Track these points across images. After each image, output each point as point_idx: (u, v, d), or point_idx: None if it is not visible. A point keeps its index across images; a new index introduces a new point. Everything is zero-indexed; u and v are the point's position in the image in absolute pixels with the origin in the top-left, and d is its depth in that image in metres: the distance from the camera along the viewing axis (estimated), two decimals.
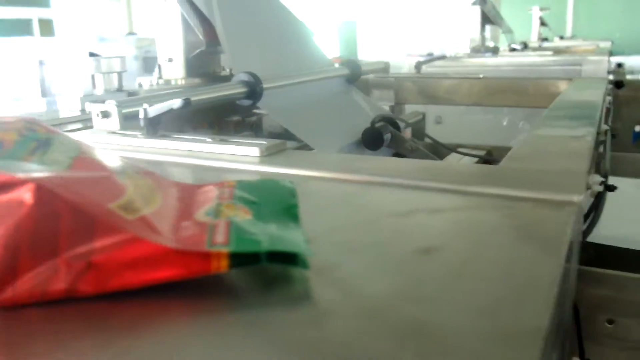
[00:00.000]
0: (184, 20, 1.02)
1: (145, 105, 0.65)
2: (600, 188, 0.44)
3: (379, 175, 0.45)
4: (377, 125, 0.97)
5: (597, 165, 0.58)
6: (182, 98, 0.63)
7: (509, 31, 2.73)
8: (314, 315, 0.24)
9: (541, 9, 3.50)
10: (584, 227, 0.45)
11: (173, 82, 1.07)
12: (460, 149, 1.09)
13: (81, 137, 0.70)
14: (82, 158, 0.33)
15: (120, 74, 1.02)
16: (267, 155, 0.55)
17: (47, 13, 4.99)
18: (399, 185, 0.43)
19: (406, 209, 0.38)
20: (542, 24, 3.58)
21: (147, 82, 1.08)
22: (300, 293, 0.26)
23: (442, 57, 1.55)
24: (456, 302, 0.24)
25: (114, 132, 0.69)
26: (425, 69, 2.02)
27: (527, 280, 0.27)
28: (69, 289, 0.26)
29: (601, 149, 0.63)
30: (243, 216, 0.32)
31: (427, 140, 1.14)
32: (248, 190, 0.36)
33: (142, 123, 0.65)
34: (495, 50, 2.43)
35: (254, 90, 0.90)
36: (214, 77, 1.09)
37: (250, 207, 0.33)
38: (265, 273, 0.28)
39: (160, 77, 1.09)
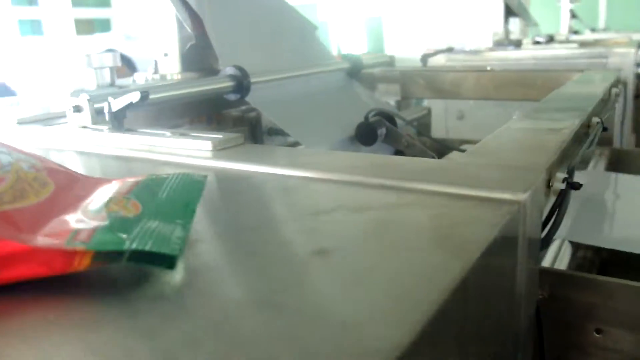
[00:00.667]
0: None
1: (110, 99, 0.63)
2: (563, 185, 0.40)
3: (326, 171, 0.42)
4: (372, 119, 0.93)
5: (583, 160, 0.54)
6: (141, 91, 0.61)
7: (533, 24, 2.63)
8: (151, 323, 0.21)
9: (571, 1, 3.37)
10: (549, 226, 0.41)
11: (169, 77, 1.06)
12: (463, 146, 1.05)
13: (52, 131, 0.69)
14: None
15: (112, 69, 1.01)
16: (221, 150, 0.52)
17: (107, 13, 5.10)
18: (341, 181, 0.40)
19: (332, 206, 0.35)
20: (573, 16, 3.46)
21: (143, 78, 1.07)
22: (150, 295, 0.24)
23: (449, 50, 1.49)
24: (314, 312, 0.21)
25: (85, 127, 0.68)
26: (439, 61, 1.96)
27: (411, 290, 0.23)
28: None
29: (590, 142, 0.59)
30: (129, 212, 0.29)
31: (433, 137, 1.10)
32: (154, 185, 0.34)
33: (107, 117, 0.64)
34: (518, 44, 2.35)
35: (241, 84, 0.88)
36: (212, 72, 1.07)
37: (144, 202, 0.31)
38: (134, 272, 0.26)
39: (156, 72, 1.08)
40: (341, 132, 0.93)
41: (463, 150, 1.02)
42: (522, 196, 0.34)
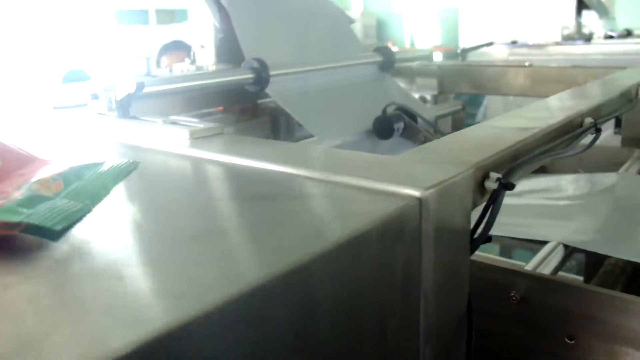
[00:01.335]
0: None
1: (116, 88, 0.68)
2: (495, 185, 0.40)
3: (274, 162, 0.44)
4: (389, 114, 0.94)
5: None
6: (137, 83, 0.65)
7: (607, 17, 2.49)
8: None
9: None
10: (482, 226, 0.41)
11: (205, 68, 1.11)
12: None
13: (74, 117, 0.75)
14: None
15: (147, 59, 1.07)
16: (197, 139, 0.55)
17: (164, 4, 5.34)
18: (282, 172, 0.42)
19: (244, 195, 0.37)
20: None
21: (180, 68, 1.13)
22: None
23: (489, 44, 1.44)
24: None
25: (101, 114, 0.73)
26: (501, 55, 1.91)
27: (243, 270, 0.25)
28: None
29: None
30: (49, 191, 0.33)
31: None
32: (86, 169, 0.37)
33: (113, 105, 0.68)
34: (589, 38, 2.23)
35: (260, 77, 0.91)
36: None
37: (68, 183, 0.35)
38: None
39: (192, 63, 1.13)
40: (359, 126, 0.94)
41: None
42: (422, 192, 0.34)
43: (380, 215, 0.32)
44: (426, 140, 0.94)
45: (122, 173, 0.37)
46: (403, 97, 1.09)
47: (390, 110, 0.94)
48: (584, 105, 0.61)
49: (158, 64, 2.14)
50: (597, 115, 0.62)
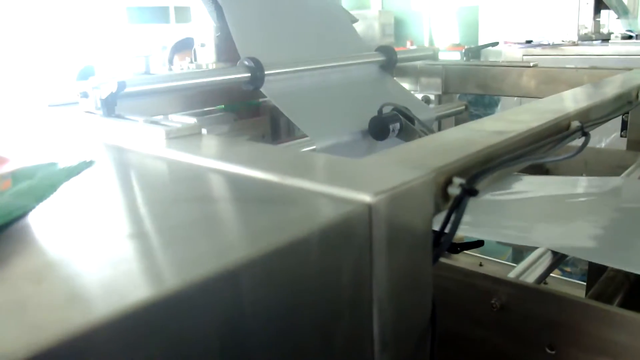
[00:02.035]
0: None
1: (101, 87, 0.68)
2: (458, 191, 0.39)
3: (236, 163, 0.43)
4: (385, 114, 0.92)
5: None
6: (118, 82, 0.65)
7: (626, 16, 2.43)
8: None
9: None
10: (447, 231, 0.40)
11: (205, 66, 1.11)
12: None
13: (64, 115, 0.75)
14: None
15: (147, 57, 1.07)
16: (173, 138, 0.55)
17: (183, 1, 5.36)
18: (237, 174, 0.41)
19: (193, 195, 0.36)
20: None
21: (180, 67, 1.13)
22: None
23: (494, 44, 1.42)
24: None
25: (89, 112, 0.73)
26: (514, 55, 1.87)
27: (161, 272, 0.25)
28: None
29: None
30: None
31: None
32: (38, 168, 0.37)
33: (99, 104, 0.68)
34: (606, 38, 2.18)
35: (255, 76, 0.90)
36: None
37: (17, 181, 0.35)
38: None
39: (192, 62, 1.13)
40: (355, 126, 0.93)
41: None
42: (371, 198, 0.33)
43: (322, 221, 0.31)
44: None
45: (72, 172, 0.37)
46: (403, 97, 1.08)
47: (386, 110, 0.93)
48: (572, 108, 0.59)
49: (170, 62, 2.16)
50: (587, 119, 0.60)
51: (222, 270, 0.26)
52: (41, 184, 0.35)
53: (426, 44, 5.07)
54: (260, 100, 1.16)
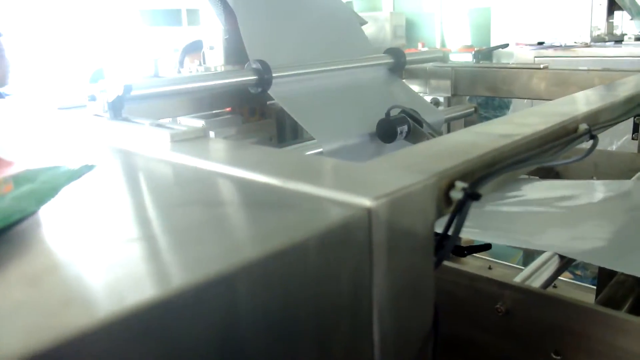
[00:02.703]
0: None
1: (108, 90, 0.69)
2: (460, 195, 0.38)
3: (240, 167, 0.43)
4: (393, 117, 0.92)
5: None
6: (125, 85, 0.65)
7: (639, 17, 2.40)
8: None
9: None
10: (451, 234, 0.39)
11: (213, 69, 1.11)
12: None
13: (73, 118, 0.76)
14: None
15: (156, 60, 1.08)
16: (178, 142, 0.55)
17: (194, 4, 5.37)
18: (240, 177, 0.41)
19: (201, 199, 0.37)
20: None
21: (189, 69, 1.13)
22: None
23: (504, 46, 1.41)
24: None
25: (97, 115, 0.74)
26: (525, 56, 1.86)
27: (141, 278, 0.25)
28: None
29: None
30: None
31: None
32: (40, 172, 0.37)
33: (105, 106, 0.69)
34: (619, 39, 2.16)
35: (262, 78, 0.90)
36: None
37: (19, 185, 0.35)
38: None
39: (201, 64, 1.13)
40: (363, 129, 0.93)
41: None
42: (371, 202, 0.33)
43: (321, 225, 0.31)
44: None
45: (74, 176, 0.37)
46: (412, 100, 1.08)
47: (394, 113, 0.92)
48: (580, 110, 0.59)
49: (181, 64, 2.17)
50: (595, 121, 0.59)
51: (218, 274, 0.26)
52: (42, 188, 0.35)
53: (438, 46, 5.04)
54: (268, 102, 1.16)
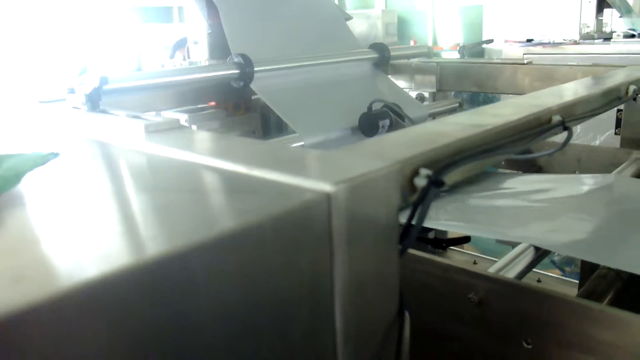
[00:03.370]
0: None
1: (85, 82, 0.69)
2: (424, 182, 0.39)
3: (208, 156, 0.43)
4: (375, 111, 0.92)
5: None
6: (100, 77, 0.65)
7: (629, 15, 2.41)
8: None
9: None
10: (414, 222, 0.40)
11: (198, 63, 1.11)
12: None
13: (52, 111, 0.75)
14: None
15: (139, 55, 1.08)
16: (153, 132, 0.55)
17: (184, 1, 5.34)
18: (207, 165, 0.41)
19: (162, 186, 0.37)
20: None
21: (173, 64, 1.13)
22: None
23: (489, 41, 1.41)
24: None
25: (75, 107, 0.73)
26: (500, 53, 1.86)
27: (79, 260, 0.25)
28: None
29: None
30: None
31: None
32: (6, 158, 0.37)
33: (83, 99, 0.69)
34: (608, 37, 2.17)
35: (244, 72, 0.91)
36: None
37: None
38: None
39: (185, 59, 1.13)
40: (345, 123, 0.93)
41: None
42: (331, 187, 0.33)
43: (278, 209, 0.31)
44: None
45: (37, 162, 0.37)
46: (396, 95, 1.08)
47: (376, 107, 0.93)
48: (555, 102, 0.59)
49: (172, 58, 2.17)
50: (570, 113, 0.60)
51: (169, 253, 0.26)
52: (6, 174, 0.35)
53: (430, 43, 5.04)
54: (253, 97, 1.16)
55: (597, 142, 1.46)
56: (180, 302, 0.27)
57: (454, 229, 0.78)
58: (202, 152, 0.44)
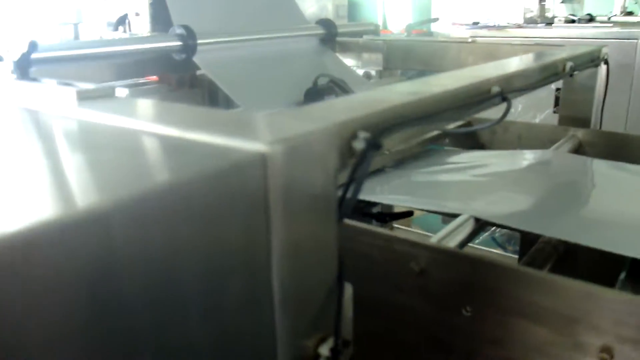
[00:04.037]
0: None
1: (14, 49, 0.65)
2: (362, 145, 0.38)
3: (146, 120, 0.41)
4: (321, 85, 0.91)
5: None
6: (30, 42, 0.62)
7: (570, 1, 2.49)
8: None
9: None
10: (352, 188, 0.39)
11: (139, 35, 1.07)
12: None
13: None
14: None
15: (76, 25, 1.03)
16: (85, 100, 0.52)
17: None
18: (141, 130, 0.39)
19: (93, 146, 0.35)
20: None
21: (112, 36, 1.09)
22: None
23: (435, 20, 1.42)
24: None
25: (5, 75, 0.69)
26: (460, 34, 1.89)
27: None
28: None
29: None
30: None
31: None
32: None
33: (13, 66, 0.65)
34: (550, 22, 2.23)
35: (187, 45, 0.88)
36: None
37: None
38: None
39: (126, 31, 1.09)
40: (290, 98, 0.92)
41: None
42: (266, 147, 0.32)
43: (208, 168, 0.30)
44: None
45: None
46: (342, 71, 1.07)
47: (322, 82, 0.92)
48: (494, 74, 0.60)
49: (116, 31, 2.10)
50: (509, 86, 0.61)
51: (88, 210, 0.24)
52: None
53: (380, 23, 5.06)
54: (198, 72, 1.13)
55: (537, 120, 1.51)
56: (97, 263, 0.25)
57: (398, 203, 0.79)
58: (136, 117, 0.42)
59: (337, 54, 1.22)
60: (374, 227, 0.59)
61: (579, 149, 0.98)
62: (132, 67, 1.04)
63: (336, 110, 0.42)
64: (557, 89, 1.17)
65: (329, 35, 1.12)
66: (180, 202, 0.28)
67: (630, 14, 3.35)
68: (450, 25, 2.23)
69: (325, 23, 1.13)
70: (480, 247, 1.49)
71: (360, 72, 1.25)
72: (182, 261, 0.29)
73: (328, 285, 0.40)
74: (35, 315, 0.23)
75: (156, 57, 0.99)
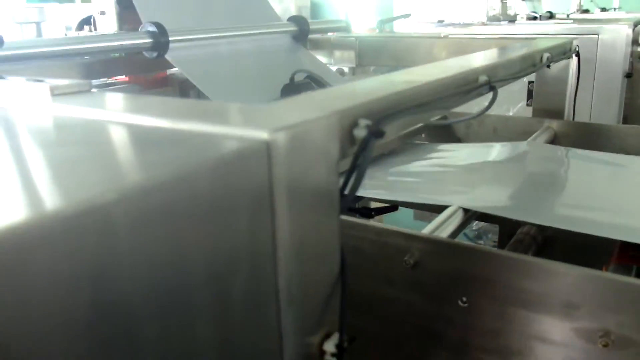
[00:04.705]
0: None
1: None
2: (364, 133, 0.37)
3: (132, 113, 0.39)
4: (298, 82, 0.90)
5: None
6: None
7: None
8: None
9: None
10: (355, 175, 0.37)
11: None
12: None
13: None
14: None
15: (38, 24, 0.99)
16: (59, 95, 0.50)
17: None
18: (127, 123, 0.37)
19: (70, 140, 0.32)
20: None
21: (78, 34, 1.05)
22: None
23: (406, 16, 1.43)
24: None
25: None
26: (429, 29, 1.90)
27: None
28: None
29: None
30: None
31: None
32: None
33: None
34: (512, 19, 2.27)
35: (159, 42, 0.85)
36: None
37: None
38: None
39: (92, 31, 1.05)
40: (265, 95, 0.90)
41: None
42: (269, 134, 0.30)
43: (212, 158, 0.28)
44: None
45: None
46: (316, 68, 1.06)
47: (299, 77, 0.90)
48: (480, 64, 0.59)
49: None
50: (494, 75, 0.60)
51: (89, 202, 0.22)
52: None
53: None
54: (169, 72, 1.10)
55: (511, 113, 1.52)
56: (99, 257, 0.23)
57: (383, 197, 0.78)
58: (125, 110, 0.40)
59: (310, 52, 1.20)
60: (365, 221, 0.58)
61: (554, 140, 0.99)
62: (99, 65, 1.00)
63: (335, 99, 0.40)
64: (530, 82, 1.18)
65: (301, 32, 1.11)
66: (185, 194, 0.26)
67: (586, 11, 3.46)
68: (416, 24, 2.24)
69: (297, 20, 1.11)
70: None
71: (333, 69, 1.24)
72: (186, 255, 0.27)
73: (333, 277, 0.38)
74: (34, 315, 0.21)
75: (126, 56, 0.96)
